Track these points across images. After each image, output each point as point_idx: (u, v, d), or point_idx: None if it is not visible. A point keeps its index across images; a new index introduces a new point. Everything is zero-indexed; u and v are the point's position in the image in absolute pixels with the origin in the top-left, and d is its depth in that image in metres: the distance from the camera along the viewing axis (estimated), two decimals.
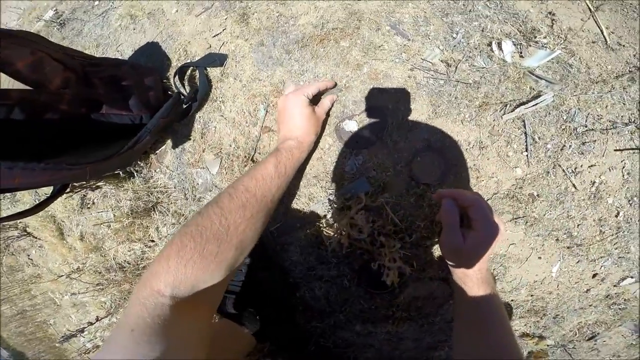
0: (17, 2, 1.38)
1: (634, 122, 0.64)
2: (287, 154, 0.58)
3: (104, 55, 1.01)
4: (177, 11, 0.96)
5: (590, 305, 0.78)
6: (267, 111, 0.81)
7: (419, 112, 0.70)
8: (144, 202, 0.92)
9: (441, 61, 0.69)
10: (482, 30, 0.68)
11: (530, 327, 0.82)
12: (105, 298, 1.08)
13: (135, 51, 0.99)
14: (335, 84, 0.74)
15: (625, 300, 0.78)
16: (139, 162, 0.89)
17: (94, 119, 0.70)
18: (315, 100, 0.72)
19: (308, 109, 0.64)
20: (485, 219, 0.50)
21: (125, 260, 1.01)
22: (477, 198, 0.52)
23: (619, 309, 0.79)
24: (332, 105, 0.73)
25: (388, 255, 0.67)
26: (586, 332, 0.83)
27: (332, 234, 0.73)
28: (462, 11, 0.72)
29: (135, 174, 0.90)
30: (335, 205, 0.74)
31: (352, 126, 0.74)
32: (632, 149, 0.64)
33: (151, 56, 0.95)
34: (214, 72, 0.85)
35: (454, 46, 0.69)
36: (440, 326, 0.81)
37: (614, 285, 0.76)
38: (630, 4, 0.71)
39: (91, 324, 1.12)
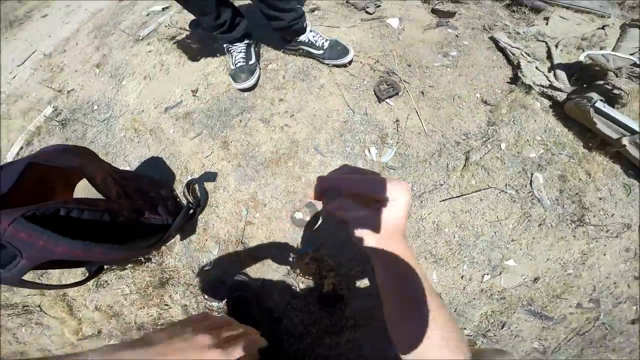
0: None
1: (446, 182, 1.15)
2: None
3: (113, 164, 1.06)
4: (174, 132, 1.17)
5: (474, 299, 0.98)
6: (247, 211, 1.13)
7: None
8: (159, 278, 1.14)
9: None
10: (360, 142, 1.18)
11: None
12: None
13: (142, 163, 1.13)
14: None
15: (499, 291, 0.96)
16: (153, 252, 1.15)
17: (141, 221, 0.86)
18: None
19: None
20: (385, 188, 0.36)
21: (144, 322, 1.12)
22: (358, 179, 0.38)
23: (500, 298, 0.95)
24: None
25: (328, 279, 1.07)
26: (495, 322, 0.95)
27: (295, 276, 1.13)
28: (350, 130, 1.19)
29: (151, 258, 1.16)
30: (295, 261, 1.14)
31: (300, 215, 1.15)
32: (449, 198, 1.16)
33: (157, 169, 1.14)
34: (209, 186, 1.17)
35: (346, 156, 1.20)
36: (384, 330, 0.96)
37: (480, 282, 0.99)
38: (435, 98, 1.16)
39: None
